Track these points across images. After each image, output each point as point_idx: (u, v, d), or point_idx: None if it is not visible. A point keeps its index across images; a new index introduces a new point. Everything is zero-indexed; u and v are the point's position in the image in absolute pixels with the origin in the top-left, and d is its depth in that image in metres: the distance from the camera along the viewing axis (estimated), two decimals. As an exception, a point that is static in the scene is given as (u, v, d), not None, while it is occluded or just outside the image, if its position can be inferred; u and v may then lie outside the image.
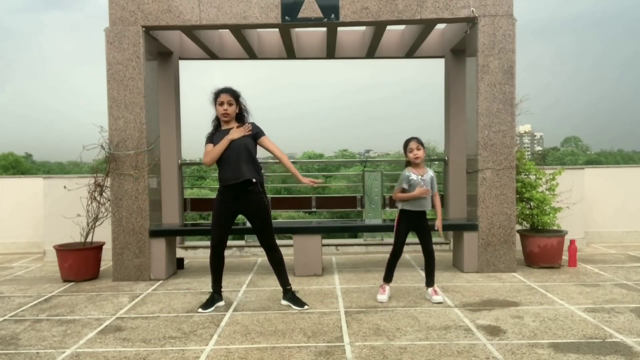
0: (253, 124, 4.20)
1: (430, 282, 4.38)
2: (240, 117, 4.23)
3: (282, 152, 4.24)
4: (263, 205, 4.16)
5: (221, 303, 4.28)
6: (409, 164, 4.36)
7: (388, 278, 4.40)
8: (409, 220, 4.34)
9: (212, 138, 4.18)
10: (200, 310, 4.15)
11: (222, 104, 4.10)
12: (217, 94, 4.13)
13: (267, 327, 3.72)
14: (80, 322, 3.95)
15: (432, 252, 4.38)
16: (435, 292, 4.33)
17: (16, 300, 4.65)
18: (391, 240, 4.59)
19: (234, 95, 4.14)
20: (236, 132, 4.10)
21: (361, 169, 7.29)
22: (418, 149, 4.27)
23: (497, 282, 4.94)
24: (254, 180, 4.08)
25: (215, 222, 4.20)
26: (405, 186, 4.28)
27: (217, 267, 4.30)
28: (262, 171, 4.29)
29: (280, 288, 4.36)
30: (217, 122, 4.24)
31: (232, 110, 4.14)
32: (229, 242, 6.98)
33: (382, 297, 4.32)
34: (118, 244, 5.29)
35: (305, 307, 4.15)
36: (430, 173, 4.36)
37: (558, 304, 4.15)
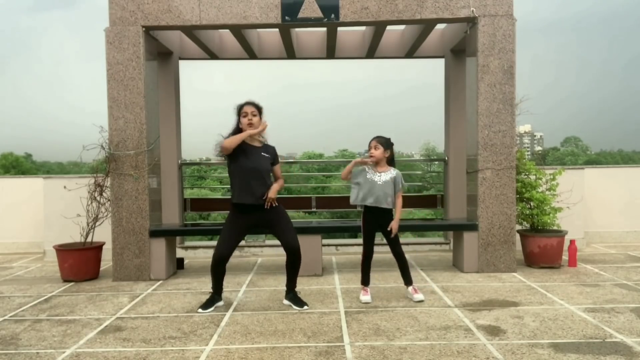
0: (274, 150, 4.33)
1: (407, 281, 4.40)
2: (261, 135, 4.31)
3: (282, 178, 4.41)
4: (281, 208, 4.28)
5: (220, 303, 4.29)
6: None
7: (365, 281, 4.41)
8: (374, 219, 4.32)
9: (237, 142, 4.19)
10: (200, 310, 4.15)
11: (246, 115, 4.17)
12: (241, 106, 4.22)
13: (267, 327, 3.72)
14: (80, 322, 3.95)
15: (401, 254, 4.37)
16: (415, 291, 4.34)
17: (16, 300, 4.65)
18: None
19: (257, 107, 4.24)
20: (260, 126, 4.17)
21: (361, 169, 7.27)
22: (375, 148, 4.28)
23: (497, 282, 4.94)
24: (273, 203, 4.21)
25: (226, 235, 4.20)
26: (355, 180, 4.31)
27: (218, 276, 4.30)
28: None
29: (280, 288, 4.37)
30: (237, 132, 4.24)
31: (257, 120, 4.19)
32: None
33: (366, 297, 4.32)
34: (118, 244, 5.29)
35: (305, 307, 4.16)
36: (391, 174, 4.31)
37: (558, 304, 4.15)
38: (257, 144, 4.27)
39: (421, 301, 4.26)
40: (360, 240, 7.31)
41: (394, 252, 4.37)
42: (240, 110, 4.22)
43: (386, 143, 4.32)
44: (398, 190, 4.33)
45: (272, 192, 4.18)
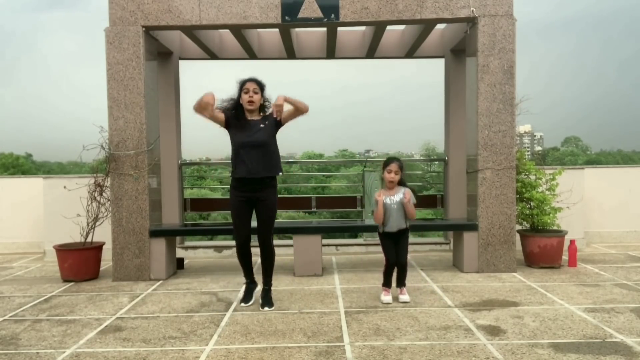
0: (272, 116, 4.17)
1: (400, 283, 4.38)
2: (263, 108, 4.24)
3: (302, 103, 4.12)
4: (271, 200, 4.21)
5: (258, 288, 4.34)
6: (383, 181, 4.35)
7: (387, 284, 4.40)
8: (390, 238, 4.34)
9: (228, 113, 4.11)
10: (242, 304, 4.25)
11: (247, 91, 4.09)
12: (243, 82, 4.13)
13: (267, 327, 3.72)
14: (80, 322, 3.95)
15: (404, 264, 4.35)
16: (402, 292, 4.34)
17: (16, 300, 4.65)
18: None
19: (260, 84, 4.15)
20: (208, 97, 4.00)
21: (361, 169, 7.28)
22: (396, 174, 4.24)
23: (497, 282, 4.94)
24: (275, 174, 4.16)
25: (235, 220, 4.20)
26: (374, 209, 4.32)
27: (245, 262, 4.33)
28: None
29: (280, 288, 4.40)
30: (236, 110, 4.18)
31: (258, 98, 4.12)
32: (229, 242, 7.00)
33: (387, 297, 4.30)
34: (118, 244, 5.29)
35: (266, 308, 4.14)
36: (400, 194, 4.27)
37: (558, 304, 4.15)
38: (255, 117, 4.18)
39: (406, 302, 4.25)
40: (360, 240, 7.36)
41: (398, 263, 4.32)
42: (242, 85, 4.14)
43: (402, 166, 4.31)
44: (407, 198, 4.31)
45: (280, 100, 4.04)
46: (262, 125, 4.14)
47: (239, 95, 4.16)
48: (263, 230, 4.21)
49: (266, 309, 4.15)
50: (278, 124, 4.19)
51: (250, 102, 4.09)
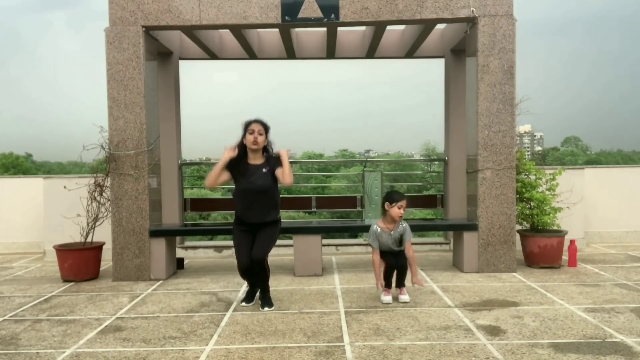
0: (275, 158, 4.26)
1: (399, 284, 4.38)
2: (266, 149, 4.27)
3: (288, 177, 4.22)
4: (277, 229, 4.31)
5: (257, 289, 4.37)
6: (384, 212, 4.32)
7: (388, 284, 4.40)
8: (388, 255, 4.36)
9: (236, 167, 4.17)
10: (243, 303, 4.31)
11: (252, 132, 4.13)
12: (249, 123, 4.18)
13: (267, 327, 3.72)
14: (80, 322, 3.95)
15: (404, 266, 4.34)
16: (402, 292, 4.34)
17: (16, 300, 4.65)
18: None
19: (265, 126, 4.20)
20: (228, 153, 4.16)
21: (361, 169, 7.28)
22: (404, 210, 4.25)
23: (497, 282, 4.94)
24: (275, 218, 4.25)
25: (239, 247, 4.23)
26: (374, 245, 4.31)
27: (248, 279, 4.39)
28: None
29: (280, 288, 4.42)
30: (239, 154, 4.21)
31: (262, 140, 4.16)
32: (229, 242, 7.00)
33: (387, 298, 4.30)
34: (118, 244, 5.29)
35: (266, 308, 4.17)
36: (400, 230, 4.28)
37: (558, 304, 4.15)
38: (258, 161, 4.22)
39: (406, 302, 4.25)
40: (360, 240, 7.36)
41: (397, 266, 4.31)
42: (247, 126, 4.17)
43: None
44: (407, 241, 4.31)
45: (283, 153, 4.19)
46: (264, 170, 4.18)
47: (243, 136, 4.19)
48: (258, 248, 4.17)
49: (266, 309, 4.15)
50: (274, 168, 4.23)
51: (255, 142, 4.13)
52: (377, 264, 4.31)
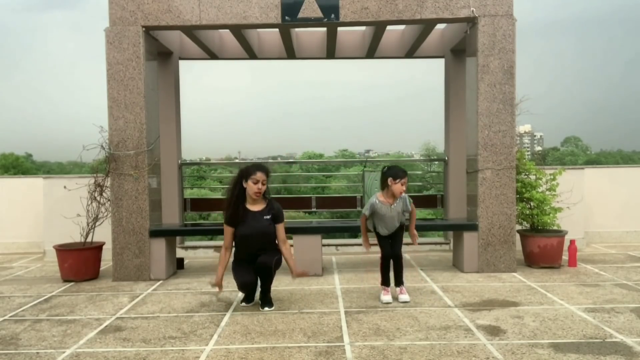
0: (278, 208, 4.30)
1: (398, 282, 4.40)
2: (264, 194, 4.28)
3: (287, 242, 4.31)
4: (279, 254, 4.29)
5: (259, 289, 4.35)
6: (384, 187, 4.33)
7: (386, 282, 4.40)
8: (385, 236, 4.39)
9: (236, 219, 4.16)
10: (243, 304, 4.30)
11: (257, 182, 4.11)
12: (254, 172, 4.13)
13: (267, 327, 3.72)
14: (80, 322, 3.95)
15: (399, 255, 4.38)
16: (402, 291, 4.34)
17: (16, 300, 4.65)
18: None
19: (268, 174, 4.19)
20: (218, 285, 4.22)
21: (361, 169, 7.28)
22: (405, 186, 4.27)
23: (497, 282, 4.94)
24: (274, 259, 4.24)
25: (239, 271, 4.22)
26: (367, 213, 4.33)
27: (246, 292, 4.38)
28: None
29: (280, 288, 4.45)
30: (235, 199, 4.19)
31: (264, 189, 4.17)
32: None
33: (387, 297, 4.31)
34: (118, 244, 5.29)
35: (266, 308, 4.16)
36: (401, 203, 4.32)
37: (558, 304, 4.15)
38: (258, 207, 4.21)
39: (406, 302, 4.26)
40: (360, 240, 7.32)
41: (393, 254, 4.35)
42: (251, 174, 4.12)
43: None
44: (411, 204, 4.38)
45: (297, 271, 4.28)
46: (265, 217, 4.19)
47: (242, 182, 4.16)
48: (264, 257, 4.15)
49: (266, 309, 4.15)
50: (276, 219, 4.25)
51: (258, 193, 4.13)
52: (364, 226, 4.41)
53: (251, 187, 4.13)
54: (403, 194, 4.33)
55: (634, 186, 7.26)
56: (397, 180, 4.23)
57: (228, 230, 4.20)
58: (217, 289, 4.28)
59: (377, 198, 4.32)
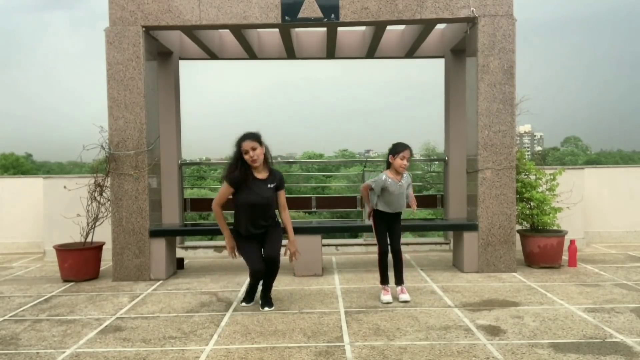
0: (281, 176, 4.31)
1: (398, 281, 4.40)
2: (265, 158, 4.22)
3: (286, 208, 4.33)
4: (279, 229, 4.33)
5: (259, 289, 4.35)
6: (389, 166, 4.35)
7: (385, 281, 4.40)
8: (384, 219, 4.38)
9: (236, 181, 4.12)
10: (243, 303, 4.31)
11: (247, 152, 4.07)
12: (239, 144, 4.11)
13: (267, 327, 3.72)
14: (80, 322, 3.95)
15: (399, 251, 4.40)
16: (402, 291, 4.34)
17: (16, 300, 4.65)
18: None
19: (256, 138, 4.12)
20: (230, 248, 4.27)
21: (361, 169, 7.28)
22: (409, 161, 4.28)
23: (497, 282, 4.94)
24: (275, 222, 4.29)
25: (247, 254, 4.22)
26: (376, 188, 4.31)
27: (257, 282, 4.37)
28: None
29: (280, 288, 4.48)
30: (241, 164, 4.16)
31: (259, 152, 4.10)
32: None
33: (387, 297, 4.30)
34: (118, 244, 5.29)
35: (266, 308, 4.18)
36: (405, 175, 4.37)
37: (558, 304, 4.15)
38: (262, 175, 4.20)
39: (406, 301, 4.26)
40: (360, 240, 7.35)
41: (392, 250, 4.38)
42: (239, 147, 4.10)
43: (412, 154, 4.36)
44: (410, 186, 4.47)
45: (293, 246, 4.28)
46: (269, 186, 4.19)
47: (239, 152, 4.13)
48: (271, 248, 4.19)
49: (266, 309, 4.15)
50: (278, 187, 4.26)
51: (254, 160, 4.10)
52: (367, 196, 4.43)
53: (246, 159, 4.10)
54: (405, 173, 4.35)
55: (634, 186, 7.26)
56: (396, 156, 4.25)
57: (228, 190, 4.14)
58: (233, 255, 4.28)
59: (387, 175, 4.31)
